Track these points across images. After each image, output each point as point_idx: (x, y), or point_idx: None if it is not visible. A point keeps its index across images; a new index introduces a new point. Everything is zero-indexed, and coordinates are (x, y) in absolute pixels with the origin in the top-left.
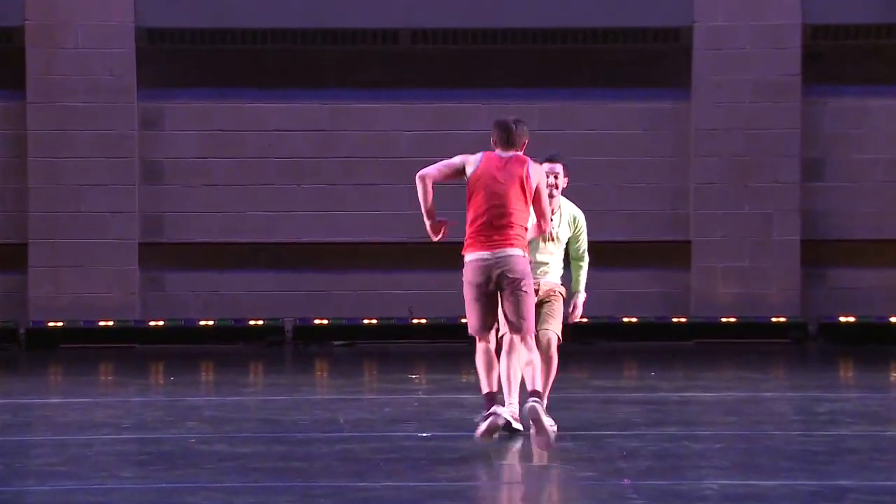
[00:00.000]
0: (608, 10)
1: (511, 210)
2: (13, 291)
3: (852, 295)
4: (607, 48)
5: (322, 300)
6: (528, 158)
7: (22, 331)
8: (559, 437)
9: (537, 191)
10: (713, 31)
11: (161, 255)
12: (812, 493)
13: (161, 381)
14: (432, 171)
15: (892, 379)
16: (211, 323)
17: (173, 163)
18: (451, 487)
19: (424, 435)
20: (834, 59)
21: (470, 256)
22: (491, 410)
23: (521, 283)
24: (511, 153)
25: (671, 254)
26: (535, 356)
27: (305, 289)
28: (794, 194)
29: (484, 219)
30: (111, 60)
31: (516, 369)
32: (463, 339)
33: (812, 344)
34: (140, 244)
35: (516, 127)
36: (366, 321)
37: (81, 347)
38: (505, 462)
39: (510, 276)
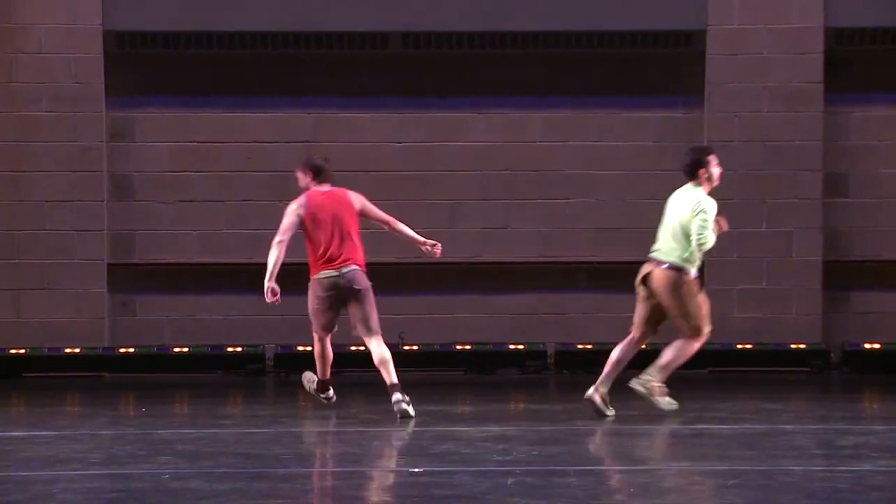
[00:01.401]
0: (613, 12)
1: (350, 233)
2: None
3: (879, 320)
4: (613, 53)
5: (306, 326)
6: (343, 188)
7: None
8: (566, 483)
9: (365, 207)
10: (728, 35)
11: (132, 276)
12: None
13: (132, 413)
14: (285, 237)
15: None
16: (186, 350)
17: (144, 177)
18: None
19: (416, 470)
20: (860, 65)
21: (319, 275)
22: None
23: (365, 293)
24: (328, 187)
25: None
26: (385, 352)
27: (288, 313)
28: (816, 212)
29: (330, 244)
30: (77, 66)
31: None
32: (458, 368)
33: (835, 372)
34: (109, 265)
35: (327, 164)
36: (352, 348)
37: (46, 376)
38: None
39: (355, 287)
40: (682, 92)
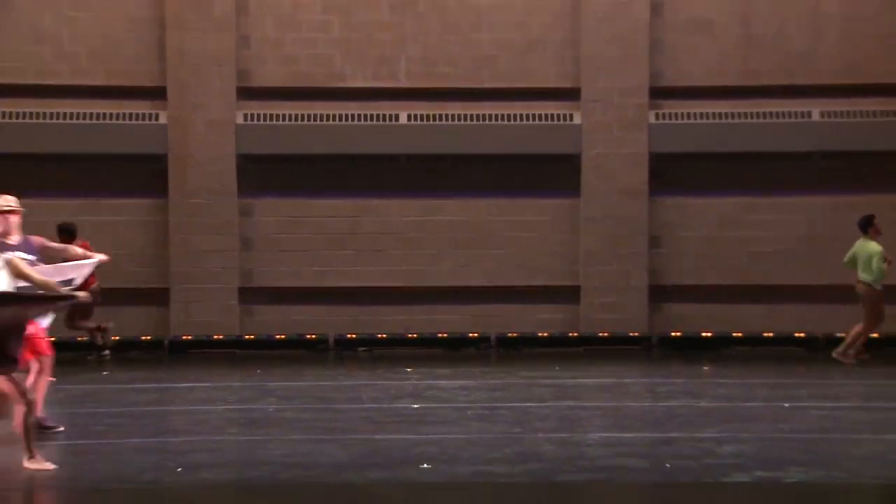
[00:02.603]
0: (532, 141)
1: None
2: (161, 315)
3: (680, 319)
4: (528, 169)
5: (352, 323)
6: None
7: (165, 342)
8: (502, 414)
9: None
10: (594, 157)
11: (252, 294)
12: (655, 441)
13: (252, 373)
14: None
15: (704, 370)
16: (283, 336)
17: (261, 237)
18: (432, 439)
19: (416, 406)
20: (667, 173)
21: None
22: None
23: None
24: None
25: (568, 293)
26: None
27: (342, 316)
28: (644, 258)
29: None
30: (222, 174)
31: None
32: (438, 347)
33: (655, 350)
34: (239, 288)
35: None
36: (379, 335)
37: (203, 352)
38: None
39: None
40: (567, 188)
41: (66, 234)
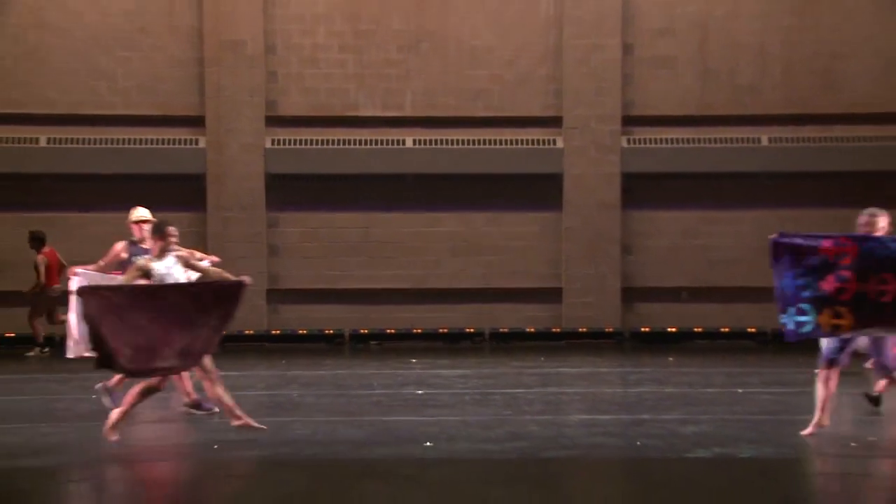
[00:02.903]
0: (520, 163)
1: None
2: None
3: (649, 316)
4: (517, 186)
5: (365, 320)
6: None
7: None
8: (495, 398)
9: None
10: (574, 177)
11: (277, 295)
12: (627, 422)
13: (278, 364)
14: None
15: (669, 360)
16: (305, 331)
17: (285, 245)
18: (434, 421)
19: (420, 392)
20: (637, 190)
21: None
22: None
23: None
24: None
25: (552, 294)
26: None
27: (356, 313)
28: (617, 263)
29: None
30: (252, 191)
31: None
32: (440, 340)
33: (626, 343)
34: (267, 290)
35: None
36: (388, 330)
37: (236, 345)
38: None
39: None
40: (550, 203)
41: (37, 241)
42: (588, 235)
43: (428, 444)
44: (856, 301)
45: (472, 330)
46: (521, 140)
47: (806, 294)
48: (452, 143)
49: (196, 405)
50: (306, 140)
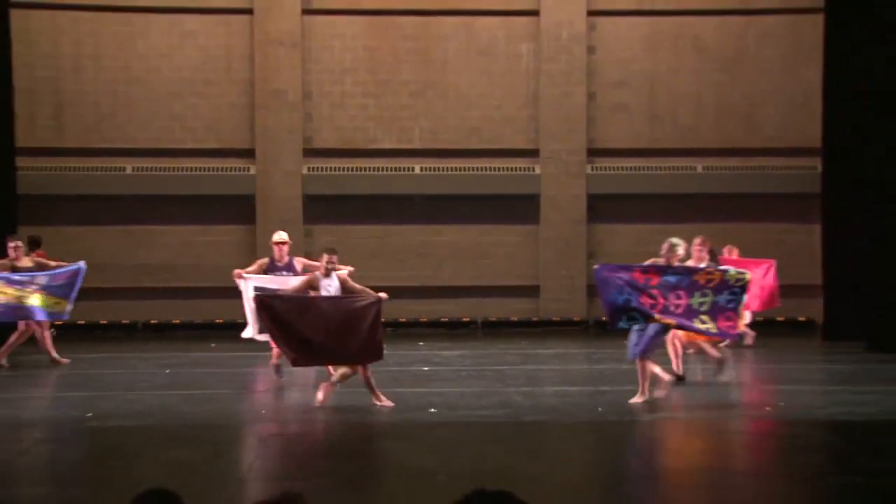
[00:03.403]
0: (506, 186)
1: None
2: None
3: None
4: (503, 205)
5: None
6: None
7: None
8: (486, 374)
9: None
10: (549, 197)
11: None
12: (591, 392)
13: None
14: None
15: (625, 343)
16: None
17: (318, 252)
18: (437, 392)
19: (426, 369)
20: (599, 209)
21: None
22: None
23: None
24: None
25: (532, 290)
26: None
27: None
28: (584, 266)
29: None
30: (292, 209)
31: None
32: (441, 328)
33: (591, 330)
34: None
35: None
36: (400, 319)
37: None
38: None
39: None
40: (528, 219)
41: (34, 244)
42: (560, 244)
43: (432, 410)
44: (662, 311)
45: (467, 319)
46: (507, 168)
47: (632, 305)
48: (452, 170)
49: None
50: (335, 168)
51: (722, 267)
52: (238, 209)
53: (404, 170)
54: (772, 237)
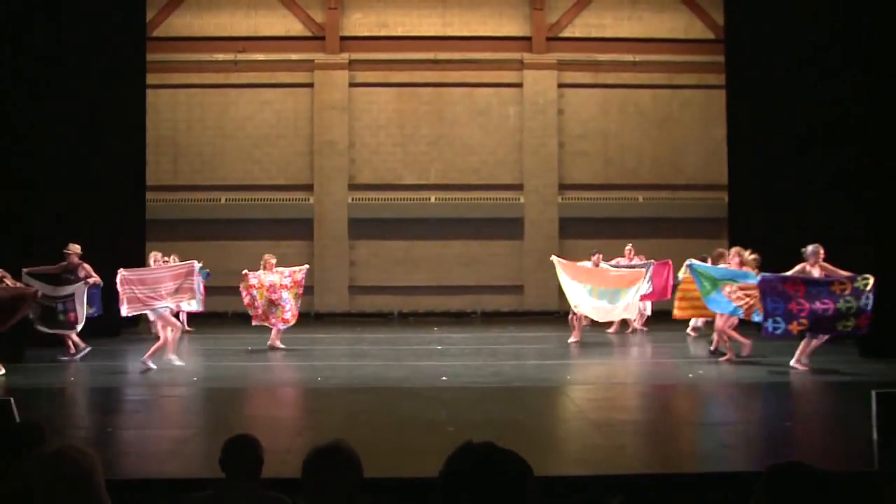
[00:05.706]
0: (499, 212)
1: None
2: (308, 300)
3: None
4: (497, 226)
5: (406, 304)
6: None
7: (311, 314)
8: (484, 350)
9: None
10: (531, 219)
11: (355, 289)
12: (564, 365)
13: (355, 331)
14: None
15: (587, 327)
16: (371, 311)
17: (359, 261)
18: (447, 365)
19: (438, 347)
20: (568, 229)
21: None
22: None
23: None
24: None
25: (517, 289)
26: None
27: (400, 300)
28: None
29: None
30: (340, 229)
31: None
32: (450, 316)
33: (562, 318)
34: (348, 286)
35: None
36: (419, 311)
37: (330, 317)
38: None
39: None
40: (514, 236)
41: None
42: (538, 255)
43: (444, 378)
44: (809, 315)
45: (469, 310)
46: (499, 198)
47: (779, 311)
48: (458, 200)
49: None
50: (372, 198)
51: (848, 275)
52: (300, 229)
53: (423, 200)
54: (691, 251)
